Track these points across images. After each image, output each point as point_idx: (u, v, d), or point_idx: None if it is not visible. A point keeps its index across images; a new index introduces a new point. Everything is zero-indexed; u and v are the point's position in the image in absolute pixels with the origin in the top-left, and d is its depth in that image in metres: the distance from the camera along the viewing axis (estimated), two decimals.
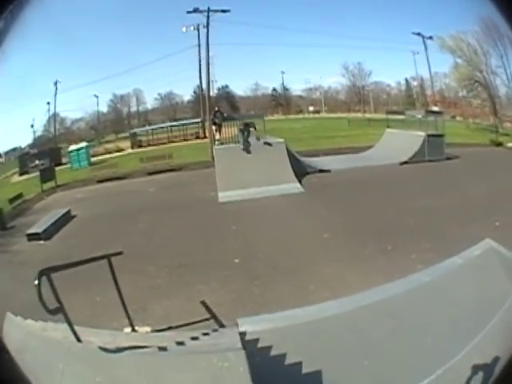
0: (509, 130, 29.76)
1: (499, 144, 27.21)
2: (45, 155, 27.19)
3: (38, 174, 24.13)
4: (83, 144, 29.58)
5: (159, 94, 35.68)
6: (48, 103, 30.23)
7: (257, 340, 6.72)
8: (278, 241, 12.76)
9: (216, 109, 23.49)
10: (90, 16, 27.05)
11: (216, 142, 21.41)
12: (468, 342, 6.25)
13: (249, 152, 19.66)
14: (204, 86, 29.80)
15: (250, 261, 11.44)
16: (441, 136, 23.41)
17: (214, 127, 22.14)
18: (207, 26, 27.03)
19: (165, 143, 30.69)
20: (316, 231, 13.29)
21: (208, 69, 28.98)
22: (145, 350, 5.17)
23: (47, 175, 23.64)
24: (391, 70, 35.07)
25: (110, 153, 30.68)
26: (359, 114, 35.27)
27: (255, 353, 6.28)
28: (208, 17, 27.04)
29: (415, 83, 35.55)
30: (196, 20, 27.83)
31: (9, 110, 23.32)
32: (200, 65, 29.83)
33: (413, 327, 7.10)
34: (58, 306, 4.84)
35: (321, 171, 20.84)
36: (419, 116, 26.13)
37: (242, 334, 6.70)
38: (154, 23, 32.27)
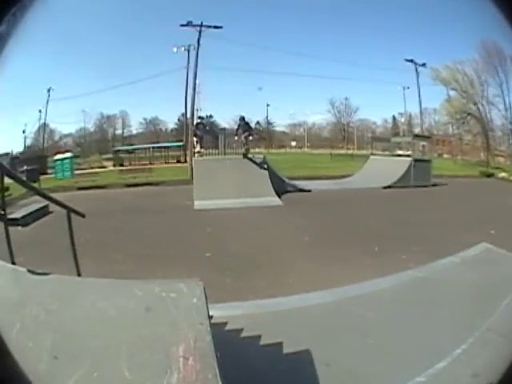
0: (501, 164, 29.37)
1: (490, 175, 26.93)
2: (32, 161, 28.02)
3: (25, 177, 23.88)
4: (68, 154, 29.90)
5: (144, 119, 35.41)
6: (40, 111, 30.27)
7: (225, 323, 6.12)
8: (254, 241, 12.26)
9: (198, 121, 23.34)
10: (89, 26, 27.02)
11: (196, 154, 21.03)
12: (468, 337, 5.70)
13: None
14: (189, 112, 29.53)
15: (223, 256, 10.80)
16: (427, 161, 23.27)
17: (195, 139, 21.83)
18: (198, 41, 26.89)
19: (146, 164, 30.28)
20: (295, 235, 12.84)
21: (194, 94, 28.68)
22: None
23: (32, 176, 23.82)
24: (379, 106, 35.03)
25: (92, 168, 30.51)
26: (342, 151, 34.91)
27: (222, 334, 5.73)
28: (200, 31, 26.93)
29: (402, 119, 35.17)
30: (187, 40, 27.78)
31: (5, 114, 23.49)
32: (186, 90, 29.58)
33: (406, 320, 6.55)
34: None
35: (301, 190, 20.53)
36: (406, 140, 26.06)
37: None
38: (147, 41, 32.27)
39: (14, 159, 28.74)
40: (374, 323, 6.40)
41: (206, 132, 22.10)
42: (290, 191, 20.17)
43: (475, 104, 31.21)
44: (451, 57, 30.21)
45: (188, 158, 26.27)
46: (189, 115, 29.22)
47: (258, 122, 35.29)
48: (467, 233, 11.27)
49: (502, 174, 26.52)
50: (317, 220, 14.71)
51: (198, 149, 21.14)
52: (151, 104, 32.25)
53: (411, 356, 5.47)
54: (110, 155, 33.00)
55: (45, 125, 31.67)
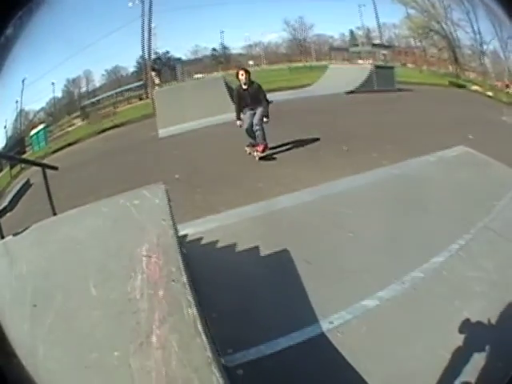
0: (473, 78, 28.85)
1: (461, 86, 26.39)
2: (11, 148, 26.96)
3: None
4: (41, 126, 29.09)
5: (106, 70, 34.94)
6: (16, 102, 29.57)
7: (200, 239, 6.07)
8: (222, 155, 12.74)
9: (154, 56, 23.20)
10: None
11: (156, 87, 21.53)
12: (463, 234, 5.63)
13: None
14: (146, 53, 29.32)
15: (192, 175, 11.24)
16: (390, 68, 22.89)
17: (153, 73, 21.80)
18: None
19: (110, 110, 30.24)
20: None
21: (150, 35, 28.28)
22: None
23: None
24: (334, 23, 33.97)
25: (63, 130, 30.22)
26: (300, 64, 34.56)
27: (199, 249, 5.69)
28: None
29: (360, 33, 34.41)
30: None
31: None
32: (143, 35, 29.22)
33: (389, 216, 6.51)
34: None
35: None
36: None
37: (183, 237, 6.10)
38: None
39: None
40: (356, 220, 6.39)
41: (164, 65, 22.06)
42: None
43: (438, 22, 30.33)
44: None
45: (150, 95, 26.16)
46: (147, 56, 29.07)
47: (213, 49, 34.80)
48: (442, 135, 11.29)
49: (475, 87, 25.98)
50: (280, 127, 14.60)
51: (157, 81, 21.11)
52: (112, 58, 31.61)
53: (401, 250, 5.45)
54: (79, 113, 32.84)
55: (21, 111, 30.88)
